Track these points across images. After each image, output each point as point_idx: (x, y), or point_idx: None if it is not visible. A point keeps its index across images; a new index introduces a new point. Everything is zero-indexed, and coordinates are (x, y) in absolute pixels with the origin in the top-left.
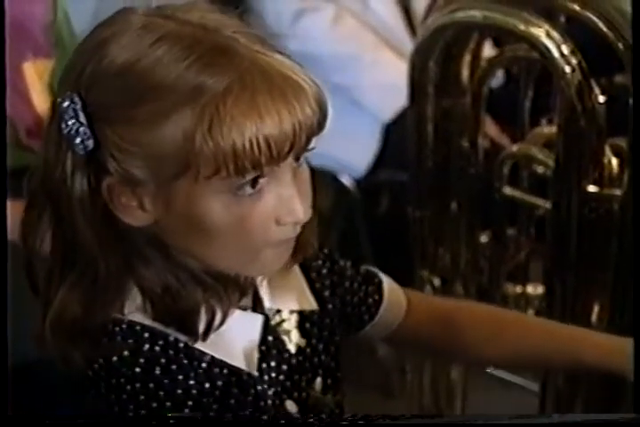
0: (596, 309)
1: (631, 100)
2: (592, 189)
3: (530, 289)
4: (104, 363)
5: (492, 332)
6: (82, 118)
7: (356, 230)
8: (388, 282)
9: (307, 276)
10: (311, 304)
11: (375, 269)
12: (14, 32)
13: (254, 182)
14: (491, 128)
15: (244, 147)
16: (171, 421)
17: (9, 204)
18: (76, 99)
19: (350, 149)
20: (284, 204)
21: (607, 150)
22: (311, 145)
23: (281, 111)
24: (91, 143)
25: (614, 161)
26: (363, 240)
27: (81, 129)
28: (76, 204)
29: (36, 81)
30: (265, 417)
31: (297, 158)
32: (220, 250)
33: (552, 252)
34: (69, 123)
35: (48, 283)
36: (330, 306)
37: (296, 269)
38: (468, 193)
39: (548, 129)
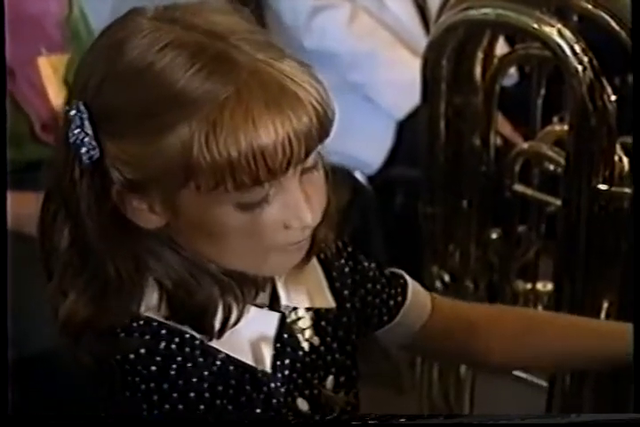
0: (604, 306)
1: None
2: (602, 187)
3: (539, 286)
4: (121, 359)
5: (523, 333)
6: (87, 128)
7: (369, 226)
8: (412, 284)
9: (327, 274)
10: (329, 303)
11: (401, 272)
12: (29, 27)
13: (259, 191)
14: (504, 126)
15: (240, 162)
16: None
17: (25, 196)
18: (82, 108)
19: (364, 146)
20: (291, 210)
21: (618, 149)
22: (319, 148)
23: (275, 122)
24: (96, 153)
25: (625, 159)
26: (375, 236)
27: (86, 139)
28: (84, 208)
29: (51, 75)
30: (280, 417)
31: (307, 163)
32: (229, 253)
33: (562, 249)
34: (75, 132)
35: (61, 279)
36: (348, 305)
37: (317, 266)
38: (479, 190)
39: (559, 127)
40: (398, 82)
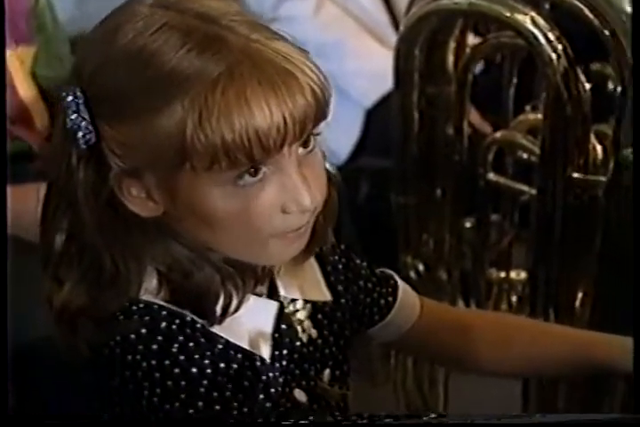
0: (579, 295)
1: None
2: (577, 175)
3: (513, 275)
4: (121, 340)
5: (503, 339)
6: (84, 113)
7: (340, 217)
8: (403, 285)
9: (322, 268)
10: (325, 296)
11: (391, 272)
12: None
13: (255, 172)
14: (472, 115)
15: (235, 140)
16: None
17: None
18: (79, 93)
19: (332, 135)
20: (289, 192)
21: (592, 137)
22: (317, 131)
23: (270, 102)
24: (92, 137)
25: (598, 148)
26: (346, 227)
27: (83, 124)
28: (82, 196)
29: (18, 69)
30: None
31: (304, 145)
32: (227, 239)
33: (536, 237)
34: (72, 117)
35: (57, 268)
36: (343, 300)
37: (312, 260)
38: (453, 179)
39: (532, 116)
40: (366, 71)
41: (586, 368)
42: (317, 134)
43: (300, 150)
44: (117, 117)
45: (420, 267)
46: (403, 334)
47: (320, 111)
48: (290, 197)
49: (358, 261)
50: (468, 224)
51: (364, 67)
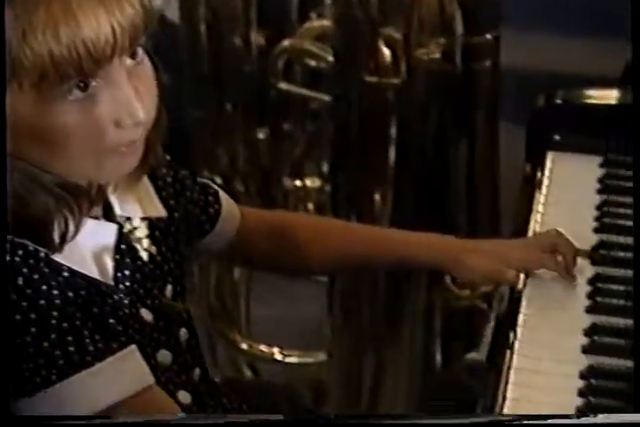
0: (377, 198)
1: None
2: (369, 79)
3: (308, 182)
4: None
5: (316, 239)
6: None
7: None
8: (222, 192)
9: (154, 184)
10: (160, 212)
11: (207, 180)
12: None
13: (85, 86)
14: None
15: (62, 53)
16: None
17: None
18: None
19: None
20: (122, 105)
21: (380, 41)
22: (143, 41)
23: (97, 13)
24: None
25: (386, 51)
26: None
27: None
28: None
29: None
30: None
31: (133, 56)
32: (62, 156)
33: (332, 144)
34: None
35: None
36: (176, 214)
37: (144, 176)
38: (244, 91)
39: (318, 23)
40: None
41: (397, 265)
42: (143, 45)
43: (129, 62)
44: None
45: (218, 180)
46: (229, 243)
47: (148, 20)
48: (123, 110)
49: (183, 172)
50: (261, 135)
51: None
